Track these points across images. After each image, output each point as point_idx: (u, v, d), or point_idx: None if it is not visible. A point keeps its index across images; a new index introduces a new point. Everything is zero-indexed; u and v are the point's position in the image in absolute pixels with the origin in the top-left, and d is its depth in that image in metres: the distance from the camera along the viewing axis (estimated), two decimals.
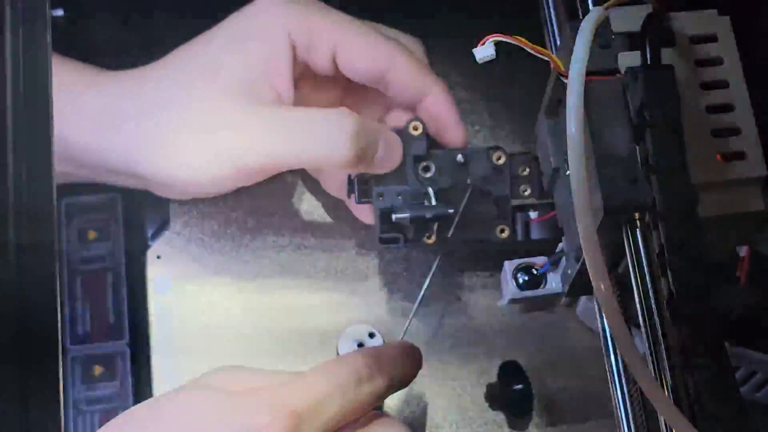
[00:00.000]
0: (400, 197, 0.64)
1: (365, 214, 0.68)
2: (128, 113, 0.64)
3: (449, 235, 0.64)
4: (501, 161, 0.65)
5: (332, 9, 0.66)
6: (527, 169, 0.66)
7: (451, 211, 0.64)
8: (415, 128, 0.65)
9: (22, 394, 0.37)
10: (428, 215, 0.63)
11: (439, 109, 0.67)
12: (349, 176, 0.65)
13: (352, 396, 0.59)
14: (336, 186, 0.69)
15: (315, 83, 0.68)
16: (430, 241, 0.64)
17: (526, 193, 0.66)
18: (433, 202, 0.64)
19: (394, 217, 0.63)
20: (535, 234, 0.65)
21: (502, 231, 0.66)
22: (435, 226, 0.64)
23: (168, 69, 0.65)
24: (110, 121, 0.64)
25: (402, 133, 0.65)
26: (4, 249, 0.37)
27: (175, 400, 0.57)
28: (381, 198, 0.64)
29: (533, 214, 0.65)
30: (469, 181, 0.65)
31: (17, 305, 0.37)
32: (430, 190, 0.64)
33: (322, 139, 0.61)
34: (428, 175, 0.64)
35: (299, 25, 0.65)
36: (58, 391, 0.37)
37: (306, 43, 0.65)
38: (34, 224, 0.38)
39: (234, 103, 0.62)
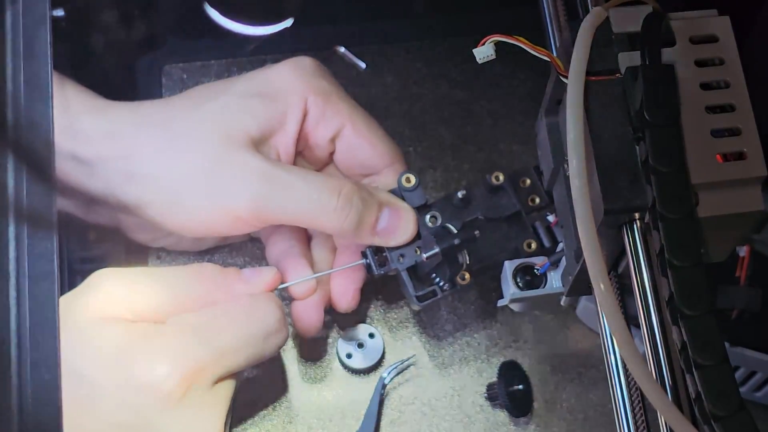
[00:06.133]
0: (419, 250, 0.64)
1: (307, 315, 0.66)
2: (132, 142, 0.63)
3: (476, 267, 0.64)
4: (500, 180, 0.65)
5: (349, 97, 0.67)
6: (527, 181, 0.66)
7: (477, 233, 0.64)
8: (408, 180, 0.65)
9: None
10: (456, 242, 0.63)
11: None
12: (363, 252, 0.64)
13: (258, 350, 0.59)
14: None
15: (311, 163, 0.68)
16: (465, 282, 0.64)
17: (537, 202, 0.66)
18: (454, 231, 0.64)
19: (424, 255, 0.63)
20: (560, 234, 0.65)
21: (529, 246, 0.65)
22: (466, 257, 0.64)
23: (177, 108, 0.65)
24: (113, 144, 0.63)
25: (396, 190, 0.65)
26: (4, 249, 0.37)
27: (76, 329, 0.56)
28: (401, 259, 0.64)
29: (551, 218, 0.65)
30: (479, 215, 0.65)
31: (17, 307, 0.38)
32: (449, 224, 0.64)
33: (315, 199, 0.61)
34: (437, 224, 0.64)
35: (317, 96, 0.65)
36: None
37: (317, 115, 0.66)
38: (34, 224, 0.38)
39: (235, 152, 0.62)
